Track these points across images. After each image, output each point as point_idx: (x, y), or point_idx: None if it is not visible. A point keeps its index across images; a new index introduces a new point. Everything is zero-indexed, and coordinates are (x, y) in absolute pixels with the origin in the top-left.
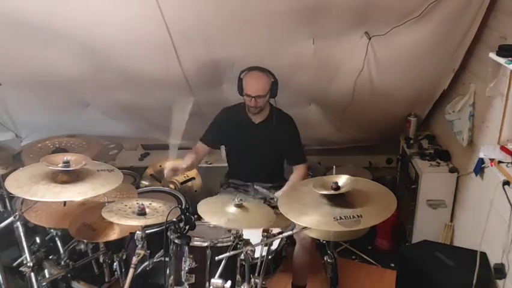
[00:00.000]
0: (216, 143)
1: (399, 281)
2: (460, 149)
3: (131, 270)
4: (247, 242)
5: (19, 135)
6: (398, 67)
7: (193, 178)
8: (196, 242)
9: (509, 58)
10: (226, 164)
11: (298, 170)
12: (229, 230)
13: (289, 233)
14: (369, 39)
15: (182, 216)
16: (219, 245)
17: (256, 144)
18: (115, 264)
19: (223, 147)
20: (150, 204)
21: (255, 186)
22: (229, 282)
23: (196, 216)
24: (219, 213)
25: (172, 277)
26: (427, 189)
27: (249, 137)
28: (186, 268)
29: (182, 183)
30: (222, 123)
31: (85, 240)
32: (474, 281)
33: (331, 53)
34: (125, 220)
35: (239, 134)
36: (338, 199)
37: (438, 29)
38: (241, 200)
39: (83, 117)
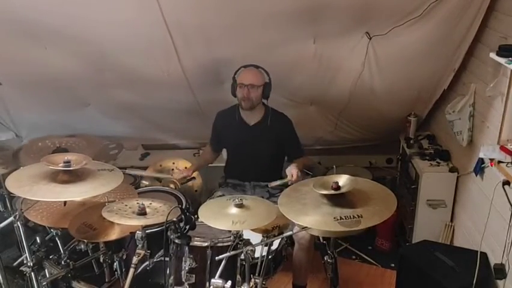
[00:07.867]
0: (216, 146)
1: (399, 281)
2: (460, 149)
3: (131, 270)
4: (247, 242)
5: (19, 134)
6: (399, 67)
7: (194, 178)
8: (197, 242)
9: (510, 58)
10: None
11: (299, 160)
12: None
13: (290, 233)
14: (370, 39)
15: (183, 216)
16: (219, 244)
17: (253, 145)
18: (115, 264)
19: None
20: (150, 204)
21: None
22: (229, 282)
23: (196, 216)
24: (221, 217)
25: (172, 277)
26: (427, 189)
27: (245, 139)
28: (186, 268)
29: (182, 183)
30: (218, 127)
31: (85, 240)
32: (474, 281)
33: (332, 53)
34: (125, 220)
35: (234, 136)
36: (338, 199)
37: (438, 29)
38: (241, 199)
39: (83, 117)
